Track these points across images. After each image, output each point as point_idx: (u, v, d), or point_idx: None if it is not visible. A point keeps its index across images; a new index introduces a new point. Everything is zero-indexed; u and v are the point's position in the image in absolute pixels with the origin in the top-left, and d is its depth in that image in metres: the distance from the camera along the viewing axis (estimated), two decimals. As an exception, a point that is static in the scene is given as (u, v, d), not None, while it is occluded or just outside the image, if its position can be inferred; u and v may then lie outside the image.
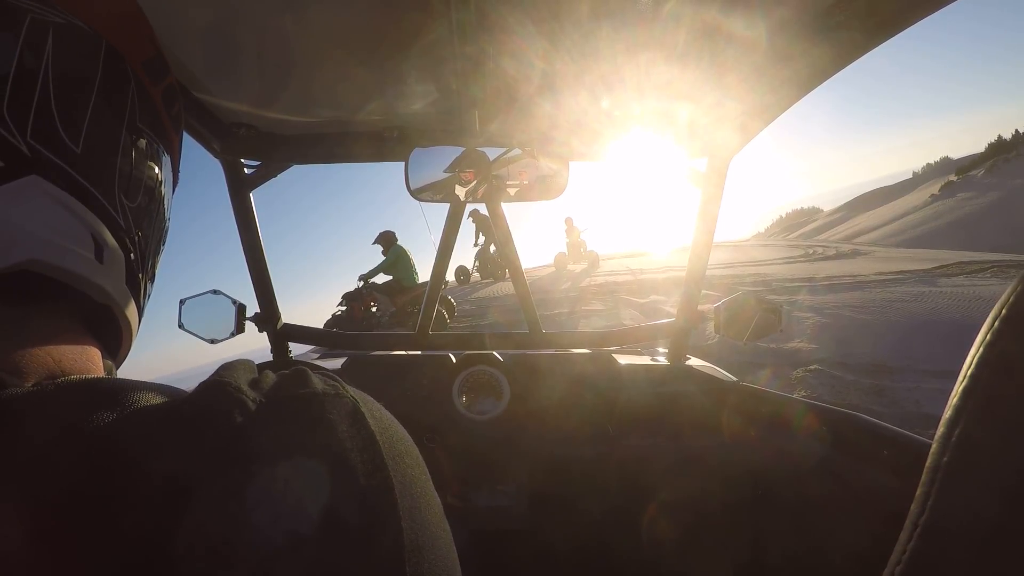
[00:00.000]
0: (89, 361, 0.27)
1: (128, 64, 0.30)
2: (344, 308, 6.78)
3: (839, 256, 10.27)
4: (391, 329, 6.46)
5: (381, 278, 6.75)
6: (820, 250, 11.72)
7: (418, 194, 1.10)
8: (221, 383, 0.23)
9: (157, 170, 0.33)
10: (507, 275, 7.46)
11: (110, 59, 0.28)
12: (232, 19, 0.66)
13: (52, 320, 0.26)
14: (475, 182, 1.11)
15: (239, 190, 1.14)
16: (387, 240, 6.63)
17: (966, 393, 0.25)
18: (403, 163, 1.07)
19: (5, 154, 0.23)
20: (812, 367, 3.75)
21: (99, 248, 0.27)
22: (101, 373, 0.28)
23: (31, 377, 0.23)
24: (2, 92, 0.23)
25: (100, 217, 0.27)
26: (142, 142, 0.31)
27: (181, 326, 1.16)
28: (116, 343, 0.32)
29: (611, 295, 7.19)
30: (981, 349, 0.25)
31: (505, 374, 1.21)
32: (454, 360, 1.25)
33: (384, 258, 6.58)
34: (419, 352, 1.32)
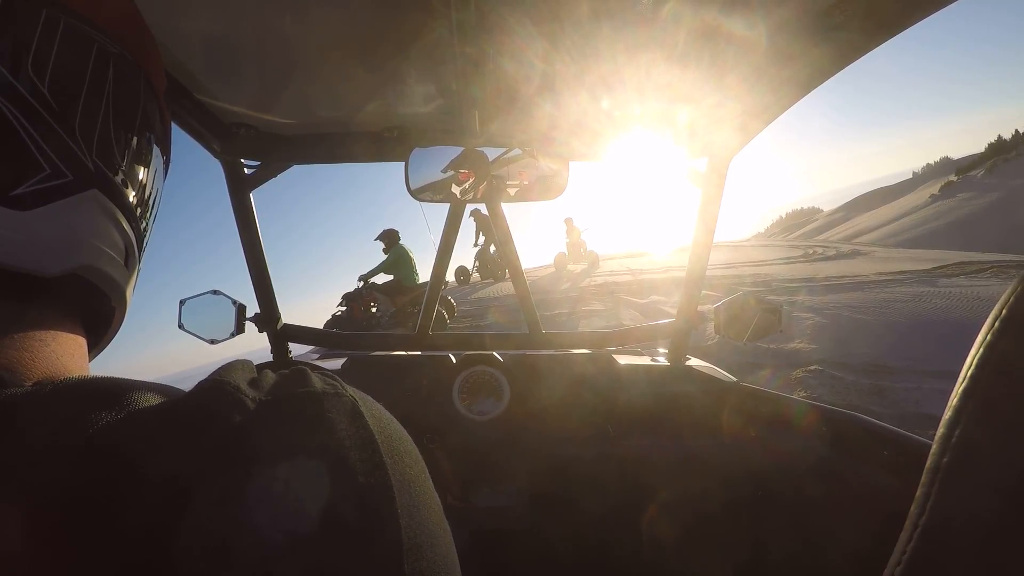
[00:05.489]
0: (83, 357, 0.28)
1: (156, 93, 0.33)
2: (344, 308, 6.77)
3: (839, 256, 10.27)
4: (391, 329, 6.45)
5: (381, 278, 6.73)
6: (820, 250, 11.72)
7: (418, 194, 1.10)
8: (220, 383, 0.23)
9: (163, 180, 0.36)
10: (507, 275, 7.46)
11: (147, 88, 0.32)
12: (232, 20, 0.66)
13: (50, 316, 0.26)
14: (475, 182, 1.11)
15: (239, 190, 1.14)
16: (389, 239, 6.57)
17: (966, 394, 0.25)
18: (403, 163, 1.07)
19: (75, 168, 0.25)
20: (812, 367, 3.75)
21: (128, 255, 0.30)
22: (88, 366, 0.29)
23: (30, 375, 0.23)
24: (75, 110, 0.25)
25: (134, 230, 0.31)
26: (162, 159, 0.34)
27: (181, 326, 1.16)
28: (103, 336, 0.32)
29: (611, 295, 7.19)
30: (981, 350, 0.25)
31: (505, 374, 1.21)
32: (454, 360, 1.25)
33: (385, 257, 6.55)
34: (419, 352, 1.32)
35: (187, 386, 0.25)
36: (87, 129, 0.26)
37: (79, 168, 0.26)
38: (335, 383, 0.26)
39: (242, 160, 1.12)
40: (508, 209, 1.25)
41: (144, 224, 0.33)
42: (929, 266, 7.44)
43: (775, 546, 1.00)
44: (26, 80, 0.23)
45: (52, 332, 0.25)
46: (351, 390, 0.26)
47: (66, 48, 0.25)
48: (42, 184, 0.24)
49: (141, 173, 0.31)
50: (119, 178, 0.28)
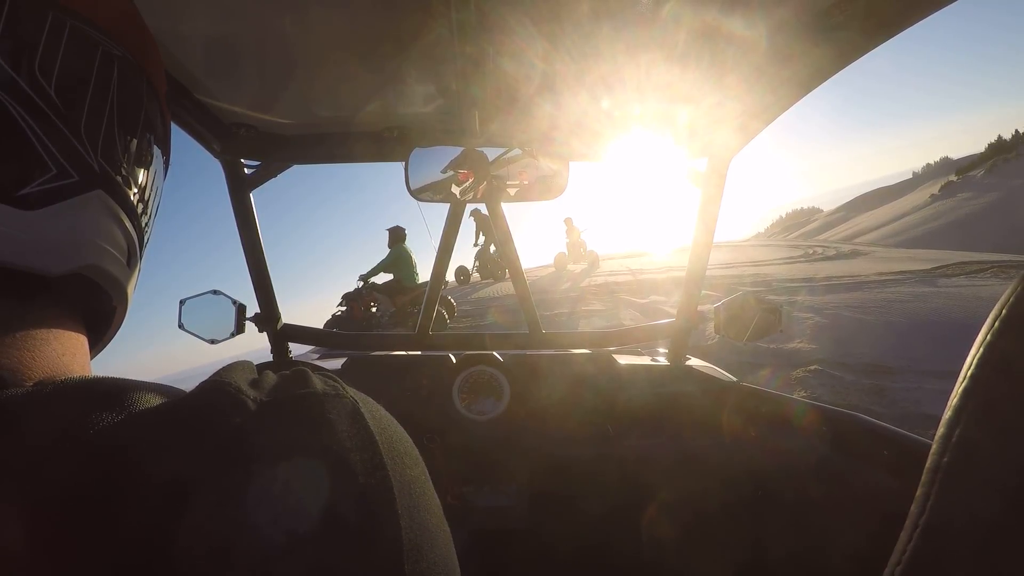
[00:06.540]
0: (85, 356, 0.28)
1: (158, 95, 0.33)
2: (344, 308, 6.77)
3: (839, 256, 10.27)
4: (391, 329, 6.45)
5: (381, 278, 6.73)
6: (820, 250, 11.72)
7: (418, 194, 1.10)
8: (221, 383, 0.23)
9: (163, 180, 0.36)
10: (507, 275, 7.43)
11: (149, 90, 0.32)
12: (232, 20, 0.66)
13: (52, 315, 0.26)
14: (475, 182, 1.11)
15: (239, 190, 1.14)
16: (394, 235, 6.56)
17: (966, 393, 0.25)
18: (403, 163, 1.07)
19: (80, 169, 0.26)
20: (812, 367, 3.75)
21: (130, 254, 0.31)
22: (89, 366, 0.29)
23: (32, 375, 0.23)
24: (81, 112, 0.26)
25: (136, 228, 0.31)
26: (162, 159, 0.35)
27: (181, 326, 1.16)
28: (103, 334, 0.32)
29: (611, 295, 7.19)
30: (981, 349, 0.25)
31: (505, 374, 1.21)
32: (454, 360, 1.25)
33: (387, 255, 6.54)
34: (419, 352, 1.32)
35: (187, 386, 0.25)
36: (92, 130, 0.26)
37: (85, 169, 0.26)
38: (336, 384, 0.26)
39: (242, 160, 1.12)
40: (508, 209, 1.26)
41: (145, 223, 0.33)
42: (929, 266, 7.45)
43: (775, 546, 0.99)
44: (34, 82, 0.23)
45: (54, 331, 0.25)
46: (352, 391, 0.26)
47: (72, 50, 0.25)
48: (48, 184, 0.24)
49: (142, 174, 0.31)
50: (121, 178, 0.29)
